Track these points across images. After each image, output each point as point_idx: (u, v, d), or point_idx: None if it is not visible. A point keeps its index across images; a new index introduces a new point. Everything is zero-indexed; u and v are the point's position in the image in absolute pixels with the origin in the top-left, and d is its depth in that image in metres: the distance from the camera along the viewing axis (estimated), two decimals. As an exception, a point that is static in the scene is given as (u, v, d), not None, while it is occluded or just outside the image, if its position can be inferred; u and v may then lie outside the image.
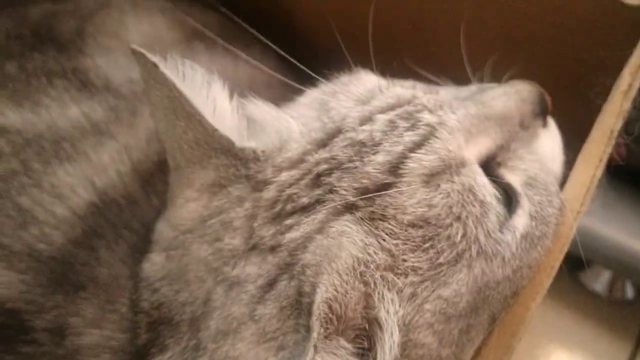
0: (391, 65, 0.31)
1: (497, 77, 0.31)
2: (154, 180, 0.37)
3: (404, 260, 0.24)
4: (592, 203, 0.58)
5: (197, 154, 0.29)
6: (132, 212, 0.36)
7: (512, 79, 0.31)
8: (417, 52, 0.33)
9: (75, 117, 0.40)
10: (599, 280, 0.66)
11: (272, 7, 0.51)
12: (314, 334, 0.21)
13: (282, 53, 0.36)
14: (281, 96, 0.38)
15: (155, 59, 0.28)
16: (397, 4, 0.38)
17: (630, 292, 0.66)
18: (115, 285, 0.34)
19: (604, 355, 0.63)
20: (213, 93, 0.29)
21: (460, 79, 0.32)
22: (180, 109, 0.28)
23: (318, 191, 0.26)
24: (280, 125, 0.28)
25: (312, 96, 0.32)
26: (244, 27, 0.48)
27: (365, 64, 0.33)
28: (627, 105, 0.27)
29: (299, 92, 0.41)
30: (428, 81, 0.32)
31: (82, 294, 0.33)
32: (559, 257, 0.27)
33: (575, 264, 0.65)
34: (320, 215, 0.25)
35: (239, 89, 0.39)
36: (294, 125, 0.28)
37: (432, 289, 0.24)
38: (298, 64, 0.33)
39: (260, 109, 0.29)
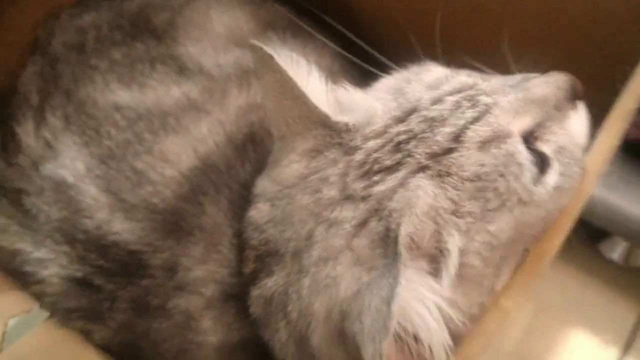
0: (449, 56, 0.37)
1: (537, 67, 0.37)
2: (245, 148, 0.42)
3: (462, 207, 0.31)
4: (611, 178, 0.62)
5: (300, 127, 0.36)
6: (229, 175, 0.41)
7: (549, 68, 0.37)
8: (468, 45, 0.39)
9: (177, 96, 0.44)
10: (616, 250, 0.71)
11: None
12: (403, 257, 0.28)
13: (356, 39, 0.42)
14: (341, 81, 0.44)
15: (271, 51, 0.34)
16: (452, 5, 0.44)
17: (644, 261, 0.71)
18: (218, 232, 0.39)
19: (617, 315, 0.69)
20: (313, 79, 0.35)
21: (503, 69, 0.38)
22: (289, 91, 0.34)
23: (398, 155, 0.32)
24: (367, 105, 0.35)
25: (387, 83, 0.38)
26: (307, 20, 0.55)
27: (425, 53, 0.39)
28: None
29: (359, 77, 0.46)
30: (479, 71, 0.38)
31: (191, 238, 0.39)
32: (578, 206, 0.33)
33: (594, 235, 0.71)
34: (401, 174, 0.32)
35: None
36: (377, 105, 0.35)
37: (481, 226, 0.31)
38: (374, 53, 0.39)
39: (349, 92, 0.36)
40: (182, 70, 0.47)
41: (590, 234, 0.71)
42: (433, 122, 0.33)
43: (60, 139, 0.43)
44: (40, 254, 0.40)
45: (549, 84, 0.36)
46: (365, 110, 0.35)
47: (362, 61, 0.46)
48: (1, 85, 0.50)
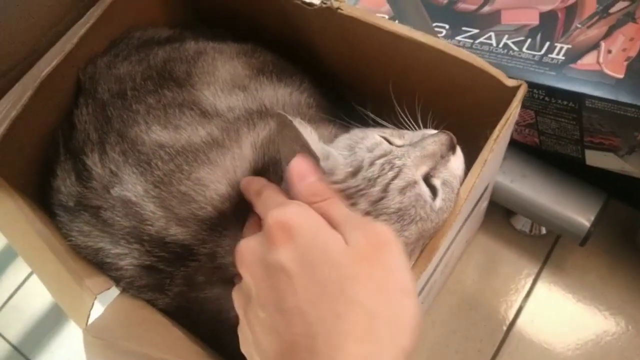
0: (383, 114, 0.49)
1: (435, 124, 0.49)
2: (263, 175, 0.48)
3: (391, 226, 0.41)
4: (514, 174, 0.77)
5: None
6: None
7: (441, 124, 0.48)
8: (395, 107, 0.51)
9: (204, 135, 0.50)
10: (523, 224, 0.86)
11: (303, 52, 0.65)
12: None
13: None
14: (317, 113, 0.57)
15: (290, 118, 0.41)
16: (381, 77, 0.57)
17: (543, 230, 0.87)
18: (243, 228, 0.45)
19: (523, 269, 0.86)
20: (311, 135, 0.42)
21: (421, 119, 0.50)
22: (299, 141, 0.42)
23: (351, 201, 0.42)
24: (335, 157, 0.44)
25: (344, 141, 0.47)
26: (288, 64, 0.63)
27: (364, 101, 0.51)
28: (496, 146, 0.48)
29: (326, 105, 0.58)
30: (401, 125, 0.49)
31: (226, 233, 0.46)
32: (454, 217, 0.44)
33: (508, 213, 0.86)
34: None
35: (292, 110, 0.57)
36: (341, 159, 0.44)
37: (401, 234, 0.42)
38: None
39: (326, 146, 0.45)
40: (203, 114, 0.52)
41: (504, 212, 0.86)
42: (369, 181, 0.42)
43: (122, 170, 0.48)
44: (117, 250, 0.46)
45: (436, 143, 0.45)
46: (333, 159, 0.44)
47: (328, 95, 0.61)
48: (54, 120, 0.56)
